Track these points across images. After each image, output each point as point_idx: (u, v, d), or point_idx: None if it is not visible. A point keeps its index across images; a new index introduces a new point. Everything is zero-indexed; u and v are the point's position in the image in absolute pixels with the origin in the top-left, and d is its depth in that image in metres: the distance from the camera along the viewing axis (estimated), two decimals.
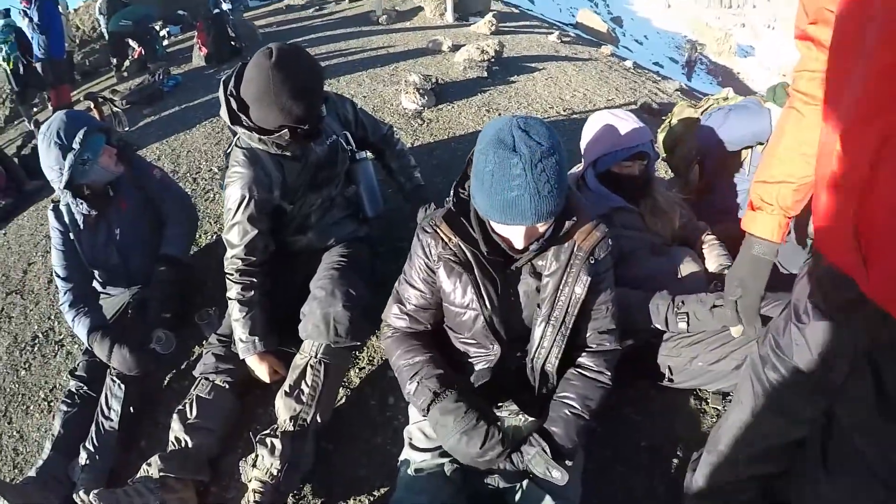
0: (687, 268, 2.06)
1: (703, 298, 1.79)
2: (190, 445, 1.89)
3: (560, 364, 1.58)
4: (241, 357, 2.08)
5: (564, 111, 3.83)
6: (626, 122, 2.09)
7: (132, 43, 5.97)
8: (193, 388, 2.05)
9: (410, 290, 1.65)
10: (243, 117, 1.97)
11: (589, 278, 1.49)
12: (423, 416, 1.53)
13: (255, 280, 2.09)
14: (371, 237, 2.50)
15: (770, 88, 2.53)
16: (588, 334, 1.62)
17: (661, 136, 2.80)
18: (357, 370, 2.32)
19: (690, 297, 1.82)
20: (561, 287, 1.50)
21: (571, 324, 1.53)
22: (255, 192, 2.03)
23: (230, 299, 2.09)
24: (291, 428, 1.85)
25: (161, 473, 1.78)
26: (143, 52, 5.80)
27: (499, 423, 1.49)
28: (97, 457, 2.03)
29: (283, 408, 1.88)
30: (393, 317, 1.70)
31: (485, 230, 1.48)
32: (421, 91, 3.73)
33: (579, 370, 1.60)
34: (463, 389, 1.52)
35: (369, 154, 2.46)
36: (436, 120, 3.63)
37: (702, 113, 2.72)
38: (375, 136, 2.51)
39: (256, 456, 1.80)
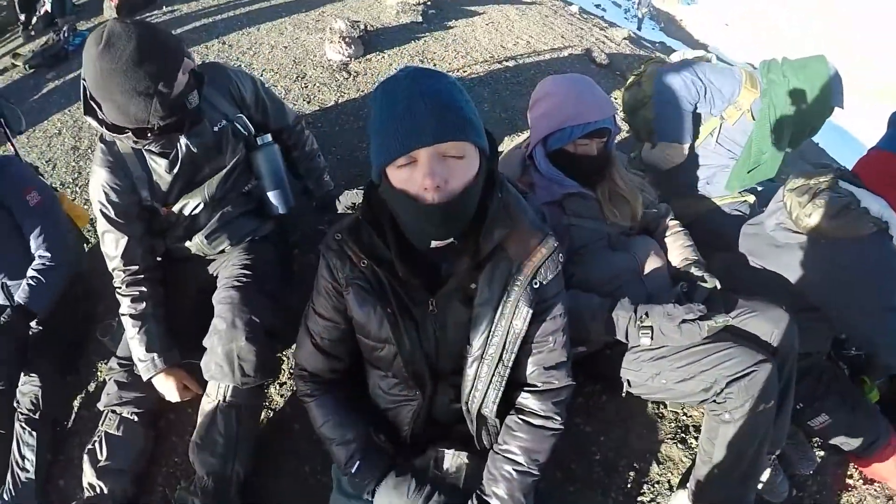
0: (649, 264, 1.78)
1: (670, 311, 1.51)
2: (105, 492, 1.67)
3: (501, 404, 1.29)
4: (144, 379, 1.79)
5: (507, 60, 3.41)
6: (583, 92, 1.72)
7: None
8: (101, 422, 1.78)
9: (320, 321, 1.32)
10: (97, 109, 1.57)
11: (530, 310, 1.18)
12: (368, 498, 1.29)
13: (144, 290, 1.80)
14: (281, 231, 2.08)
15: (764, 63, 2.23)
16: (530, 371, 1.30)
17: (625, 95, 2.43)
18: (277, 387, 1.96)
19: (655, 309, 1.54)
20: (496, 320, 1.19)
21: (511, 362, 1.23)
22: (112, 196, 1.73)
23: (122, 315, 1.81)
24: (211, 485, 1.60)
25: None
26: (49, 7, 4.73)
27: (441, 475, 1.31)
28: None
29: (199, 463, 1.63)
30: (306, 356, 1.36)
31: (402, 243, 1.15)
32: (347, 40, 3.18)
33: (523, 417, 1.30)
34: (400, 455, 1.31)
35: (269, 138, 1.94)
36: (364, 72, 3.13)
37: None
38: (278, 123, 2.02)
39: None
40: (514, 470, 1.25)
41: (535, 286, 1.19)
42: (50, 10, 4.63)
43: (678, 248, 1.87)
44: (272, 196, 1.93)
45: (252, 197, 1.95)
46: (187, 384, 1.82)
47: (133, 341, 1.78)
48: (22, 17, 5.26)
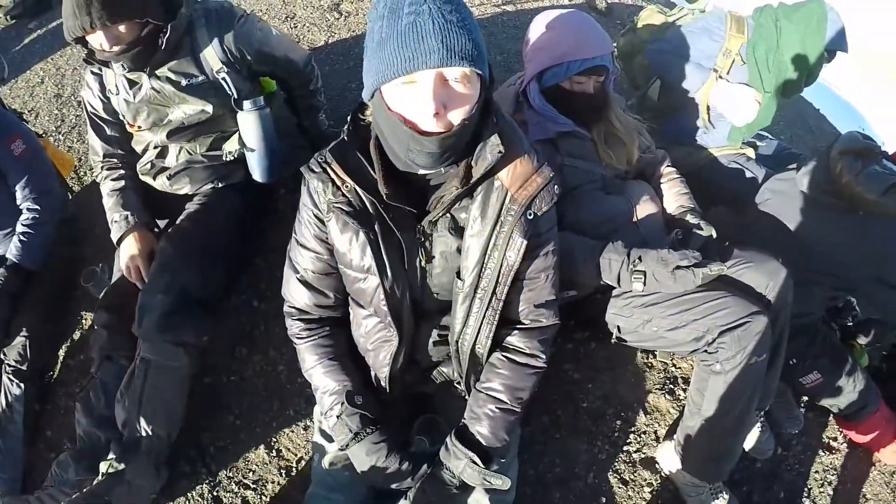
0: (643, 209, 1.68)
1: (664, 257, 1.43)
2: (103, 441, 1.60)
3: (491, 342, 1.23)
4: (115, 240, 1.79)
5: (505, 3, 3.20)
6: (582, 27, 1.59)
7: None
8: (94, 368, 1.70)
9: (303, 252, 1.23)
10: None
11: (524, 241, 1.10)
12: (340, 449, 1.24)
13: (122, 172, 1.87)
14: (250, 182, 1.92)
15: (757, 8, 2.11)
16: (521, 308, 1.24)
17: (620, 41, 2.29)
18: (262, 330, 1.89)
19: (650, 254, 1.45)
20: (489, 251, 1.11)
21: (504, 296, 1.16)
22: (90, 95, 1.80)
23: (103, 197, 1.86)
24: (126, 435, 1.54)
25: (78, 477, 1.55)
26: None
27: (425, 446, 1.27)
28: (6, 465, 1.78)
29: (117, 414, 1.58)
30: (292, 291, 1.29)
31: (389, 167, 1.07)
32: None
33: (507, 354, 1.24)
34: (384, 420, 1.24)
35: (262, 102, 1.80)
36: (355, 13, 2.95)
37: (672, 22, 2.22)
38: (286, 72, 1.91)
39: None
40: (496, 408, 1.20)
41: (530, 217, 1.11)
42: None
43: (674, 195, 1.76)
44: (253, 163, 1.83)
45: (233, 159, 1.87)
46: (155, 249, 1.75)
47: (111, 209, 1.81)
48: None
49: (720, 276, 1.51)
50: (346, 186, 1.10)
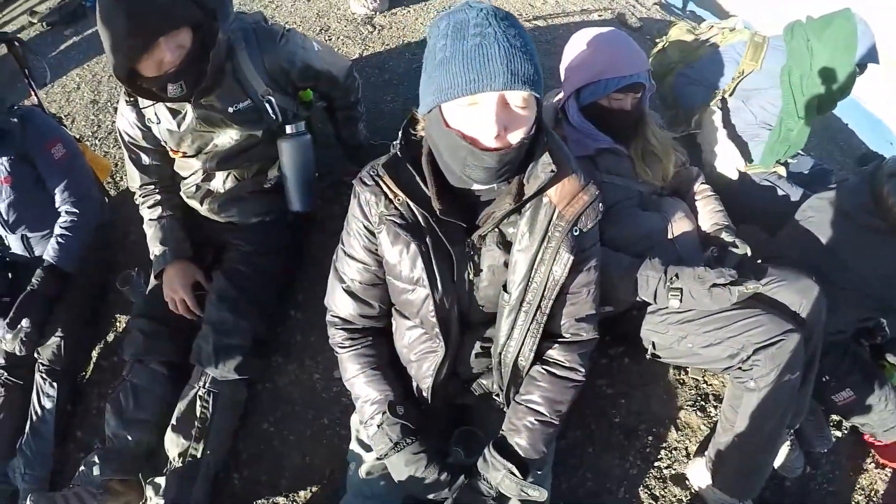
0: (679, 226, 1.67)
1: (701, 274, 1.43)
2: (130, 441, 1.64)
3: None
4: (154, 274, 1.83)
5: (536, 19, 3.22)
6: (619, 45, 1.60)
7: None
8: (126, 371, 1.73)
9: (350, 262, 1.25)
10: None
11: (571, 257, 1.11)
12: (378, 459, 1.25)
13: (160, 198, 1.86)
14: (294, 215, 1.89)
15: (787, 28, 2.10)
16: (563, 322, 1.25)
17: (651, 61, 2.29)
18: (298, 339, 1.90)
19: (686, 271, 1.45)
20: (536, 266, 1.12)
21: (549, 309, 1.17)
22: (126, 124, 1.76)
23: (144, 226, 1.88)
24: (180, 465, 1.58)
25: (104, 478, 1.59)
26: None
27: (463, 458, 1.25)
28: (36, 463, 1.81)
29: (171, 443, 1.61)
30: (337, 301, 1.30)
31: (440, 182, 1.09)
32: None
33: (547, 367, 1.25)
34: (424, 430, 1.24)
35: (303, 127, 1.79)
36: (388, 26, 2.98)
37: (703, 41, 2.23)
38: (329, 87, 1.85)
39: (146, 498, 1.58)
40: (536, 420, 1.21)
41: (576, 233, 1.13)
42: None
43: (709, 213, 1.76)
44: (291, 191, 1.81)
45: (273, 185, 1.86)
46: (200, 280, 1.80)
47: (151, 241, 1.83)
48: None
49: (754, 294, 1.51)
50: (399, 200, 1.12)
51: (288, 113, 1.75)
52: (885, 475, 1.86)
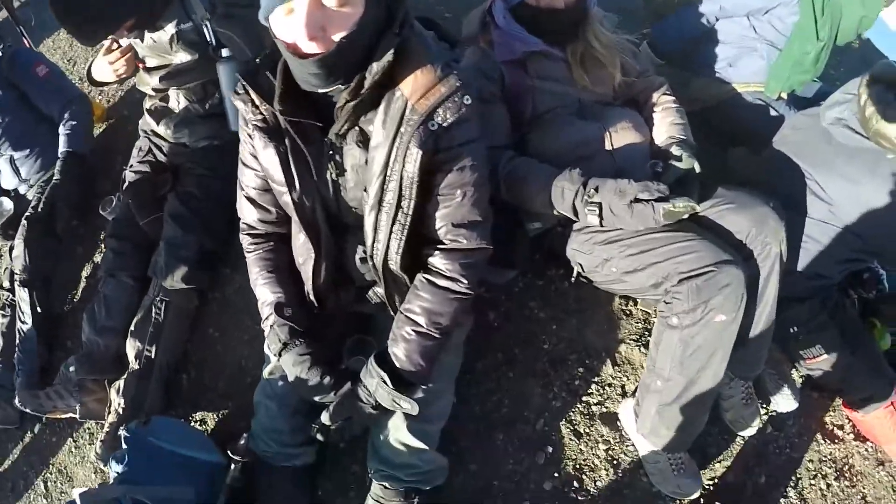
0: (622, 137, 1.44)
1: (622, 188, 1.23)
2: (101, 347, 1.78)
3: (412, 261, 1.18)
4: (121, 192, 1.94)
5: None
6: None
7: None
8: (100, 285, 1.87)
9: (245, 170, 1.26)
10: None
11: (420, 152, 1.03)
12: (275, 357, 1.28)
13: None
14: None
15: None
16: (438, 226, 1.14)
17: None
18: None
19: (608, 183, 1.26)
20: (391, 163, 1.05)
21: (411, 210, 1.09)
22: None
23: None
24: (137, 367, 1.69)
25: (79, 376, 1.75)
26: None
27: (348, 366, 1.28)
28: (24, 360, 1.96)
29: (130, 347, 1.73)
30: (240, 207, 1.33)
31: (288, 82, 1.06)
32: None
33: (428, 276, 1.17)
34: (313, 332, 1.26)
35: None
36: None
37: None
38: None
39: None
40: (413, 330, 1.15)
41: (433, 128, 1.02)
42: None
43: (665, 125, 1.50)
44: (229, 112, 1.76)
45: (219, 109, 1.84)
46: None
47: None
48: None
49: (695, 218, 1.29)
50: (263, 105, 1.09)
51: (223, 36, 1.73)
52: (865, 450, 1.58)
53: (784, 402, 1.55)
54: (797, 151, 1.52)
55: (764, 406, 1.56)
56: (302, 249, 1.24)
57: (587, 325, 1.59)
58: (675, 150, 1.38)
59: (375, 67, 0.98)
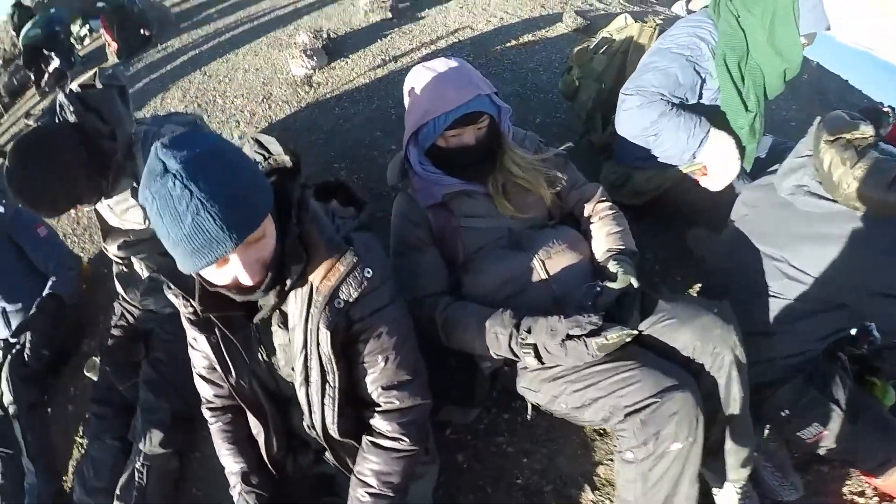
0: (557, 261, 1.39)
1: (553, 326, 1.18)
2: None
3: (356, 423, 1.18)
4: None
5: (472, 45, 2.98)
6: (443, 75, 1.38)
7: (50, 53, 5.01)
8: (86, 446, 1.94)
9: (192, 352, 1.27)
10: None
11: (328, 332, 1.04)
12: None
13: None
14: None
15: (713, 3, 1.70)
16: (369, 390, 1.14)
17: (560, 84, 2.07)
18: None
19: (539, 322, 1.20)
20: (307, 343, 1.07)
21: (337, 383, 1.10)
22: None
23: None
24: None
25: None
26: (58, 64, 4.78)
27: None
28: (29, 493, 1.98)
29: None
30: (197, 383, 1.33)
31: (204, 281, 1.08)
32: (309, 52, 2.95)
33: (372, 438, 1.16)
34: (281, 497, 1.27)
35: None
36: (325, 83, 2.89)
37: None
38: None
39: None
40: (367, 493, 1.13)
41: (339, 305, 1.05)
42: (59, 67, 4.69)
43: (602, 237, 1.45)
44: None
45: None
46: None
47: None
48: (32, 77, 5.25)
49: (638, 338, 1.21)
50: (189, 301, 1.12)
51: None
52: None
53: (787, 491, 1.41)
54: (757, 231, 1.42)
55: (768, 498, 1.41)
56: (253, 422, 1.25)
57: (559, 453, 1.49)
58: (611, 267, 1.33)
59: (293, 270, 1.01)
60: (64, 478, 2.01)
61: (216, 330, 1.11)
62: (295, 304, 1.06)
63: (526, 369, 1.32)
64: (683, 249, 1.94)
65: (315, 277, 1.04)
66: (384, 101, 2.70)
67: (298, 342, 1.07)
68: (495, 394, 1.54)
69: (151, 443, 1.73)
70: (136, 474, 1.71)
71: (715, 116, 1.72)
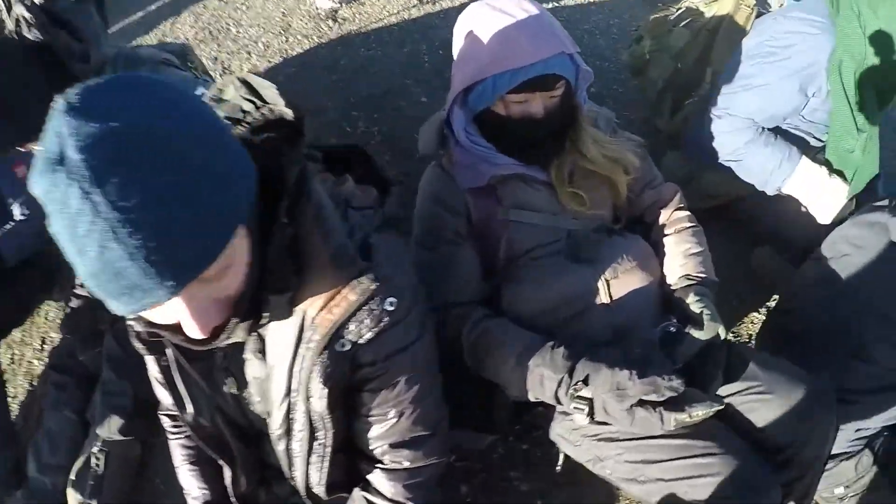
0: (625, 283, 1.08)
1: (622, 383, 0.87)
2: (49, 486, 1.61)
3: (347, 475, 0.90)
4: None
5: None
6: (514, 23, 1.01)
7: None
8: (45, 418, 1.73)
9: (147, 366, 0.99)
10: None
11: (326, 389, 0.74)
12: None
13: None
14: None
15: None
16: (372, 446, 0.85)
17: (625, 54, 1.82)
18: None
19: (602, 373, 0.90)
20: (292, 393, 0.76)
21: (329, 440, 0.81)
22: None
23: None
24: None
25: None
26: None
27: None
28: None
29: (71, 497, 1.55)
30: (157, 392, 1.05)
31: None
32: None
33: (368, 496, 0.88)
34: None
35: None
36: (352, 19, 2.52)
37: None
38: None
39: None
40: None
41: (343, 348, 0.72)
42: None
43: (678, 256, 1.14)
44: None
45: None
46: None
47: None
48: None
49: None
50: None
51: None
52: None
53: None
54: (860, 276, 1.14)
55: None
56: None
57: (581, 497, 1.23)
58: (694, 307, 1.02)
59: (274, 302, 0.68)
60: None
61: (167, 351, 0.80)
62: (277, 333, 0.74)
63: (566, 416, 1.03)
64: (746, 269, 1.66)
65: (309, 304, 0.71)
66: (418, 46, 2.35)
67: (279, 389, 0.76)
68: (517, 427, 1.26)
69: (111, 429, 1.58)
70: (93, 459, 1.56)
71: (814, 138, 1.46)
